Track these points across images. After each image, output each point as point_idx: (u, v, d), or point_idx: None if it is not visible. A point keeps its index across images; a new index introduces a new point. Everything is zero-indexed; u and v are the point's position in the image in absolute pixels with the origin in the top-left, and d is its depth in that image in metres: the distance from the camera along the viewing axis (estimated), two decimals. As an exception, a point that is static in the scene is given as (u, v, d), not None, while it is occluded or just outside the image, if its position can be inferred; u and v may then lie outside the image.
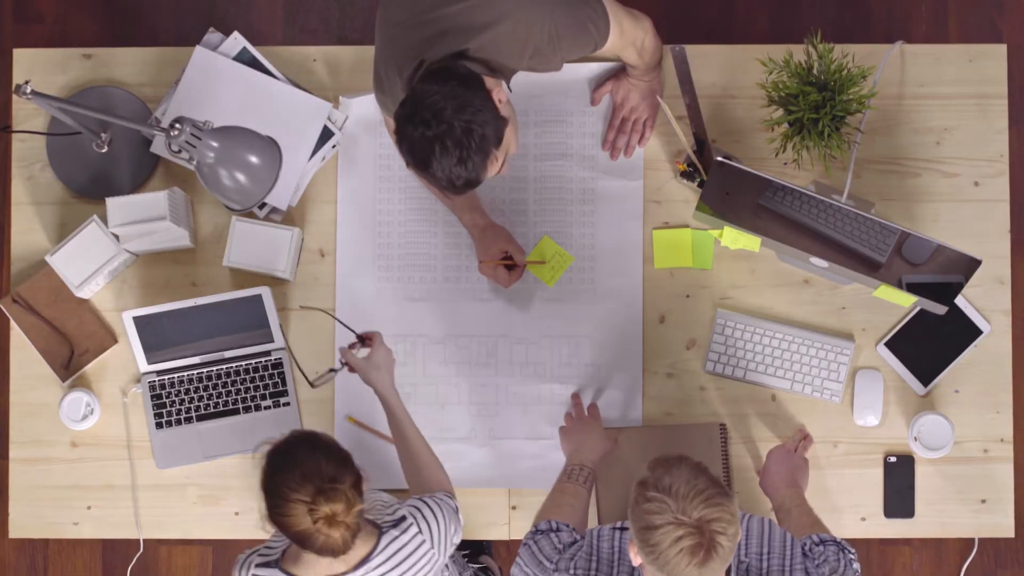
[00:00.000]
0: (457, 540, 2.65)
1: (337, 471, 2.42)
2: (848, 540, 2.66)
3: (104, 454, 3.05)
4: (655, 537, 2.24)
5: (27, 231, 3.09)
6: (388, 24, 2.66)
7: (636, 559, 2.31)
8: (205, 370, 3.03)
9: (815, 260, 2.85)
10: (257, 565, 2.56)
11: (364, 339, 2.82)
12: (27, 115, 3.10)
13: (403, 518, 2.58)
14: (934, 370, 3.01)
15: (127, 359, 3.06)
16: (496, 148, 2.55)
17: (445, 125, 2.48)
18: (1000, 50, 3.07)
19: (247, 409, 3.03)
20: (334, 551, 2.43)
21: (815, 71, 2.77)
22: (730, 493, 2.28)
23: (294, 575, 2.53)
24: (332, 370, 2.88)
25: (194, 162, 2.68)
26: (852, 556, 2.56)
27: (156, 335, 3.02)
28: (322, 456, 2.42)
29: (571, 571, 2.49)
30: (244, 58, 3.06)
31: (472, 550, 3.44)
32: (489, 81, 2.59)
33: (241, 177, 2.68)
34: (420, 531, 2.58)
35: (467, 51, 2.59)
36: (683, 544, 2.23)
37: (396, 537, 2.56)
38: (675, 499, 2.24)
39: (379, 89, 2.75)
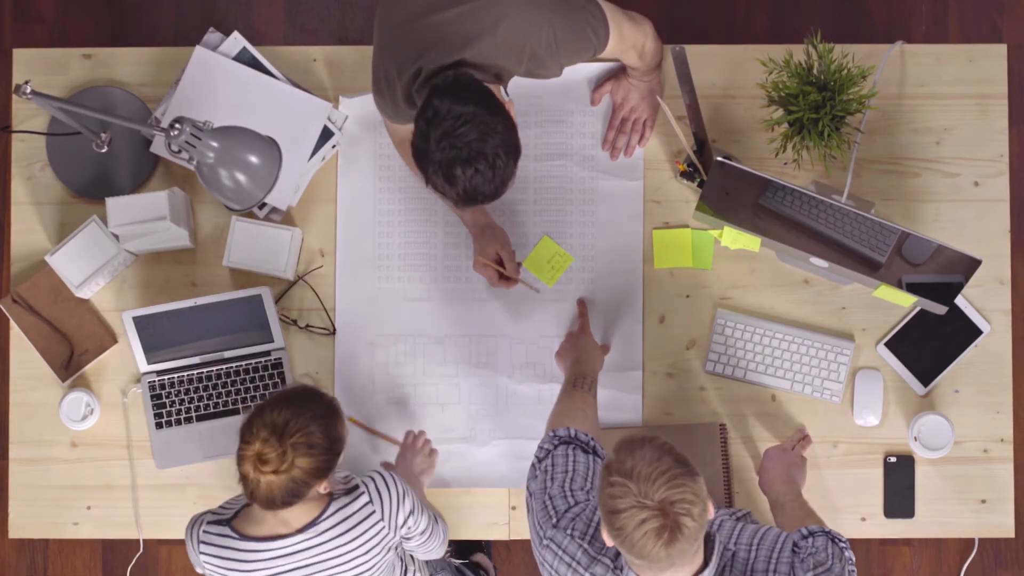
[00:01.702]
0: (411, 523, 2.64)
1: (314, 442, 2.43)
2: (848, 540, 2.65)
3: (104, 454, 3.05)
4: (620, 521, 2.26)
5: (27, 231, 3.09)
6: (385, 27, 2.66)
7: (608, 540, 2.32)
8: (205, 370, 3.03)
9: (815, 260, 2.84)
10: (209, 523, 2.60)
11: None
12: (27, 115, 3.10)
13: (356, 487, 2.61)
14: (934, 370, 3.01)
15: (127, 359, 3.06)
16: (516, 164, 2.56)
17: (473, 152, 2.49)
18: (1000, 50, 3.06)
19: (247, 409, 3.03)
20: (262, 502, 2.44)
21: (815, 71, 2.77)
22: (695, 472, 2.29)
23: (242, 532, 2.56)
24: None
25: (194, 162, 2.67)
26: (843, 545, 2.56)
27: (156, 335, 3.01)
28: (315, 425, 2.45)
29: (568, 531, 2.50)
30: (244, 58, 3.06)
31: (466, 548, 3.43)
32: (496, 91, 2.59)
33: (241, 177, 2.68)
34: (371, 500, 2.60)
35: (464, 60, 2.58)
36: (647, 527, 2.24)
37: (345, 504, 2.59)
38: (637, 482, 2.25)
39: (378, 92, 2.74)
